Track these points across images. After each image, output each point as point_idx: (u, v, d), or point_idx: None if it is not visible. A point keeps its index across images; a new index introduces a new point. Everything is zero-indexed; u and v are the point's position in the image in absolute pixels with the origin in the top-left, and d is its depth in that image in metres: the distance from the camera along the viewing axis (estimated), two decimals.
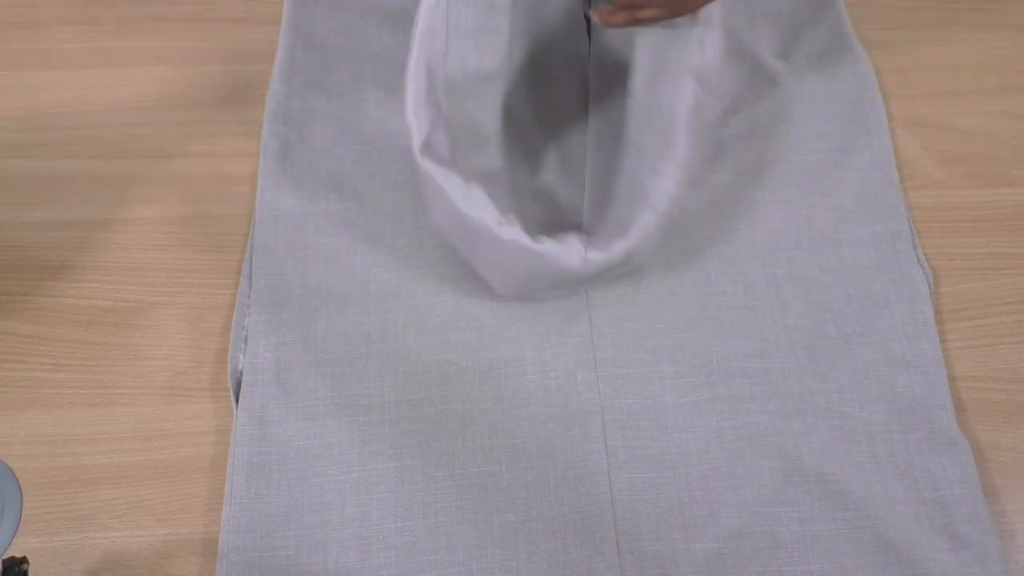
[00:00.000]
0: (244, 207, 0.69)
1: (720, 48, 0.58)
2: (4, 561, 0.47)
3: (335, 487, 0.57)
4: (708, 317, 0.63)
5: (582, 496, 0.57)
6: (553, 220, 0.67)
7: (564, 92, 0.74)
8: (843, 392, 0.60)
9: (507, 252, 0.56)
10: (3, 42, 0.78)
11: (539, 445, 0.59)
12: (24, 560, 0.48)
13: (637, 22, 0.59)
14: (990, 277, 0.66)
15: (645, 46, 0.60)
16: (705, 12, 0.58)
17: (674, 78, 0.58)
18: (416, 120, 0.56)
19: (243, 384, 0.60)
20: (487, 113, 0.62)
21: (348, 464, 0.58)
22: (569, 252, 0.56)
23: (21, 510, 0.50)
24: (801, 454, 0.58)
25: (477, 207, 0.55)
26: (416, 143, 0.56)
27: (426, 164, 0.56)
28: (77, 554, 0.56)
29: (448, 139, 0.57)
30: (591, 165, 0.69)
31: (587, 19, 0.78)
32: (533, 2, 0.79)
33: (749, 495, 0.57)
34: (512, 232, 0.55)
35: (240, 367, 0.61)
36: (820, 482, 0.57)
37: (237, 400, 0.60)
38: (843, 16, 0.78)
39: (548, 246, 0.56)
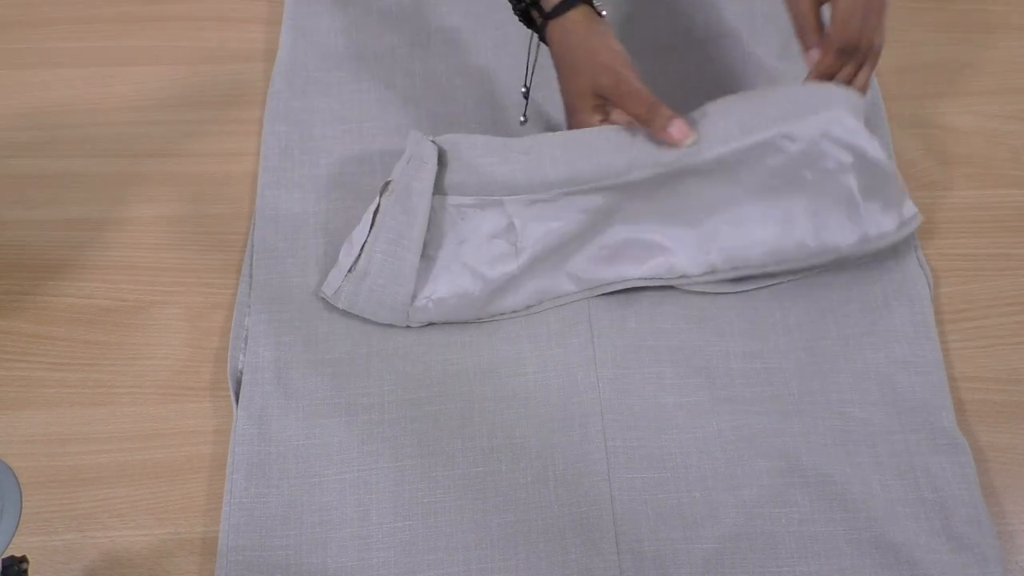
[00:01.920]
0: (244, 207, 0.69)
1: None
2: (4, 560, 0.47)
3: (335, 486, 0.57)
4: (708, 317, 0.63)
5: (582, 496, 0.57)
6: None
7: None
8: (843, 393, 0.60)
9: None
10: (3, 41, 0.78)
11: (539, 445, 0.59)
12: (24, 559, 0.48)
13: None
14: (990, 278, 0.66)
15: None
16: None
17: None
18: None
19: (243, 383, 0.60)
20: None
21: (348, 463, 0.58)
22: None
23: (21, 509, 0.50)
24: (801, 455, 0.58)
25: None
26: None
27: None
28: (76, 553, 0.56)
29: None
30: None
31: None
32: None
33: (749, 495, 0.57)
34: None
35: (240, 366, 0.61)
36: (820, 483, 0.57)
37: (237, 400, 0.60)
38: None
39: None
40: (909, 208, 0.62)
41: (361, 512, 0.56)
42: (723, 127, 0.58)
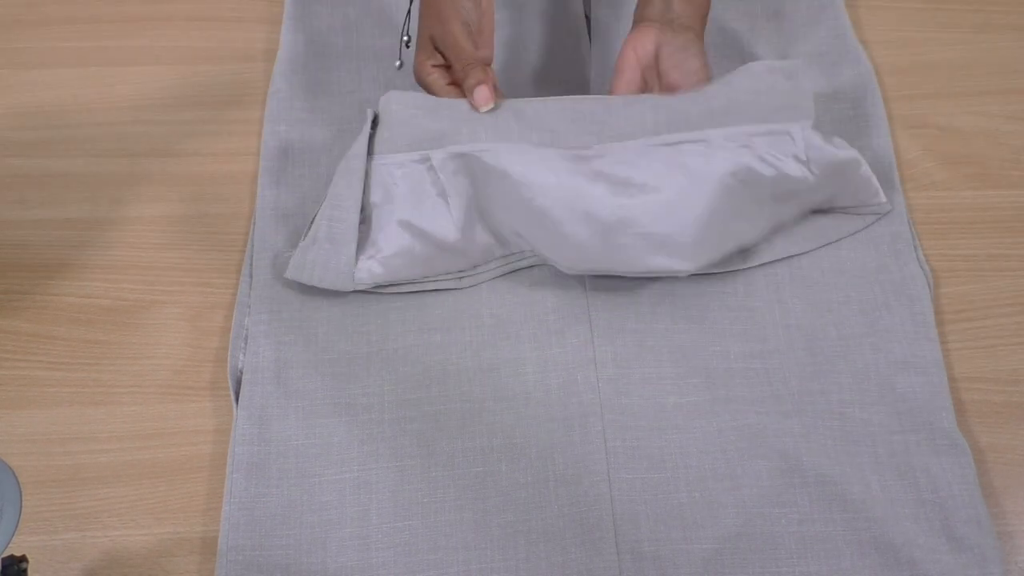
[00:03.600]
0: (244, 206, 0.69)
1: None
2: (4, 560, 0.47)
3: (334, 486, 0.57)
4: (708, 317, 0.63)
5: (581, 496, 0.57)
6: None
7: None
8: (843, 393, 0.60)
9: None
10: (3, 40, 0.78)
11: (539, 445, 0.58)
12: (23, 559, 0.48)
13: None
14: (990, 278, 0.66)
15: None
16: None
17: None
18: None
19: (243, 383, 0.60)
20: None
21: (347, 463, 0.58)
22: None
23: (21, 509, 0.50)
24: (800, 455, 0.58)
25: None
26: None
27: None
28: (76, 553, 0.56)
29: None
30: None
31: (587, 19, 0.78)
32: (534, 3, 0.79)
33: (748, 496, 0.57)
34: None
35: (240, 366, 0.61)
36: (820, 483, 0.57)
37: (237, 399, 0.60)
38: (843, 16, 0.78)
39: None
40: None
41: (361, 512, 0.56)
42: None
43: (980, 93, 0.75)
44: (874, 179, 0.64)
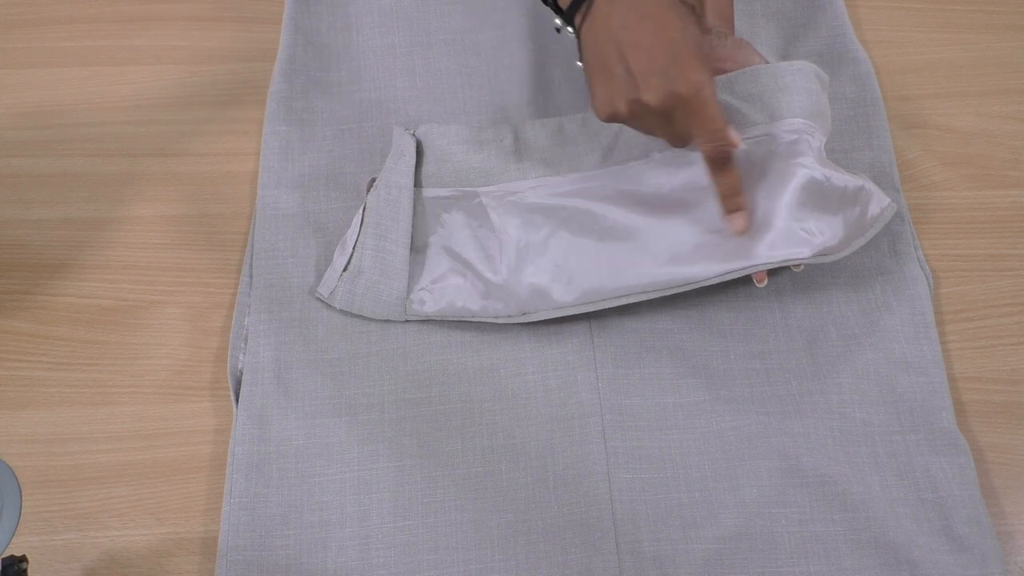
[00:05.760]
0: (244, 206, 0.69)
1: None
2: (4, 560, 0.47)
3: (334, 486, 0.57)
4: (708, 317, 0.63)
5: (581, 496, 0.57)
6: None
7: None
8: (843, 393, 0.60)
9: None
10: (4, 40, 0.78)
11: (538, 445, 0.59)
12: (23, 559, 0.48)
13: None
14: (990, 278, 0.66)
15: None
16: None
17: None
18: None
19: (243, 383, 0.60)
20: None
21: (347, 463, 0.58)
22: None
23: (21, 509, 0.50)
24: (800, 455, 0.58)
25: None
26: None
27: None
28: (76, 553, 0.56)
29: None
30: None
31: None
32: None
33: (748, 496, 0.57)
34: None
35: (240, 366, 0.61)
36: (819, 483, 0.57)
37: (237, 399, 0.60)
38: (843, 16, 0.78)
39: None
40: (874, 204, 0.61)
41: (361, 512, 0.56)
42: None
43: (980, 93, 0.75)
44: (877, 193, 0.61)
